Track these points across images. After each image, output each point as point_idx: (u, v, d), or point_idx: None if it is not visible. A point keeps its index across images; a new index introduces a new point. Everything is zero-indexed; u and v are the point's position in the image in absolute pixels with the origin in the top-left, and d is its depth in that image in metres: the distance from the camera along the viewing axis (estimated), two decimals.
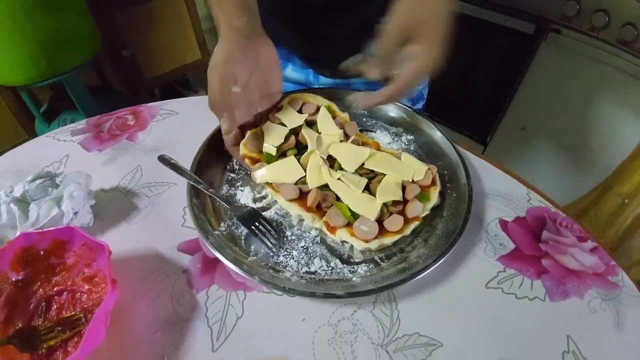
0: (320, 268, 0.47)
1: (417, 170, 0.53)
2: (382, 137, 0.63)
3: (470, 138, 1.48)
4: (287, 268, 0.47)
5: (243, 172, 0.58)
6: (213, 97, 0.52)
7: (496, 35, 1.20)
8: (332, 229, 0.48)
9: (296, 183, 0.51)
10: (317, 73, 0.74)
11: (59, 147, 0.65)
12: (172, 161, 0.56)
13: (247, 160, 0.54)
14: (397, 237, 0.48)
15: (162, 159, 0.57)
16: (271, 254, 0.48)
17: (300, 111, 0.59)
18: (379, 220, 0.48)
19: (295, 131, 0.57)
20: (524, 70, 1.20)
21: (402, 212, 0.50)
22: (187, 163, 0.56)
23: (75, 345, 0.42)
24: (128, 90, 1.81)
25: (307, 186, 0.51)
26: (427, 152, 0.60)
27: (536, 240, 0.52)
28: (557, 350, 0.43)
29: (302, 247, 0.49)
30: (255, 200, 0.54)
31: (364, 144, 0.57)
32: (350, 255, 0.49)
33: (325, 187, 0.51)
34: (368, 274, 0.46)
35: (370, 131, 0.64)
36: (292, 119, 0.57)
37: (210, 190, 0.52)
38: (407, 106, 0.64)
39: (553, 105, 1.20)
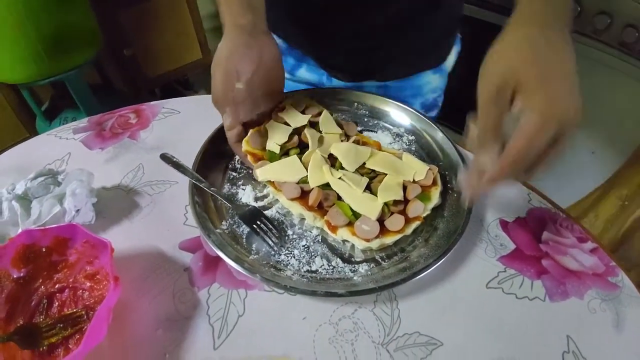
0: (321, 267, 0.47)
1: (418, 170, 0.53)
2: (383, 137, 0.63)
3: None
4: (289, 267, 0.47)
5: (245, 171, 0.58)
6: (216, 92, 0.52)
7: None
8: (334, 228, 0.48)
9: (298, 182, 0.51)
10: (330, 75, 0.74)
11: (61, 145, 0.65)
12: (174, 159, 0.56)
13: (249, 158, 0.55)
14: (398, 236, 0.48)
15: (164, 157, 0.57)
16: (272, 252, 0.48)
17: (303, 112, 0.60)
18: (380, 220, 0.48)
19: (298, 131, 0.57)
20: None
21: (403, 212, 0.50)
22: (189, 161, 0.56)
23: (76, 343, 0.42)
24: (129, 89, 1.81)
25: (308, 185, 0.51)
26: (428, 152, 0.60)
27: (536, 241, 0.53)
28: (557, 350, 0.43)
29: (303, 246, 0.49)
30: (256, 199, 0.54)
31: (364, 144, 0.57)
32: (351, 255, 0.49)
33: (326, 186, 0.51)
34: (369, 273, 0.47)
35: (372, 131, 0.64)
36: (296, 118, 0.57)
37: (212, 188, 0.53)
38: (412, 108, 0.64)
39: None
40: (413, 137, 0.63)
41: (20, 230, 0.48)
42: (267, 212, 0.53)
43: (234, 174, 0.58)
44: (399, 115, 0.65)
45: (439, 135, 0.60)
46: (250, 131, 0.56)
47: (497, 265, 0.50)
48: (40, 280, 0.46)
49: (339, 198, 0.50)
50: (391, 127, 0.64)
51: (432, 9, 0.65)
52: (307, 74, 0.75)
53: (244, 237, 0.50)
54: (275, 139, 0.55)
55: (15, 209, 0.50)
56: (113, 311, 0.41)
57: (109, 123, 0.69)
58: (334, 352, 0.42)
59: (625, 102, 1.04)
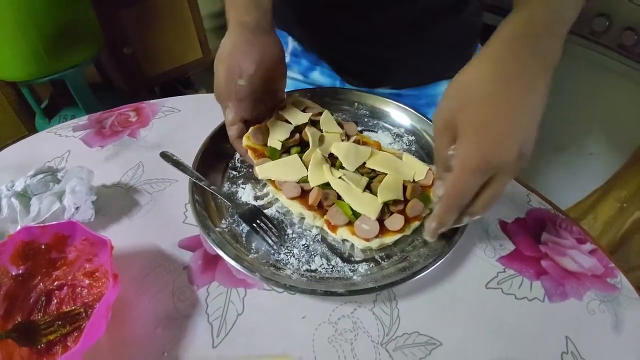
0: (320, 266, 0.47)
1: (418, 170, 0.53)
2: (383, 137, 0.63)
3: None
4: (288, 266, 0.47)
5: (245, 170, 0.58)
6: (219, 87, 0.52)
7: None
8: (333, 228, 0.48)
9: (298, 181, 0.51)
10: (343, 80, 0.73)
11: (60, 142, 0.65)
12: (174, 158, 0.56)
13: (250, 153, 0.55)
14: (397, 236, 0.48)
15: (164, 156, 0.57)
16: (272, 251, 0.48)
17: (304, 112, 0.60)
18: (380, 220, 0.48)
19: (299, 129, 0.57)
20: None
21: (403, 212, 0.50)
22: (188, 160, 0.56)
23: (75, 340, 0.42)
24: (129, 87, 1.81)
25: (308, 184, 0.51)
26: (428, 153, 0.60)
27: (536, 242, 0.53)
28: (556, 351, 0.43)
29: (303, 245, 0.49)
30: (256, 198, 0.54)
31: (364, 143, 0.57)
32: (351, 254, 0.49)
33: (326, 185, 0.51)
34: (368, 272, 0.47)
35: (372, 131, 0.64)
36: (297, 116, 0.57)
37: (211, 187, 0.53)
38: (412, 109, 0.64)
39: (553, 108, 1.21)
40: (413, 138, 0.63)
41: (19, 227, 0.48)
42: (267, 211, 0.53)
43: (233, 172, 0.58)
44: (399, 115, 0.65)
45: None
46: (252, 128, 0.56)
47: (496, 266, 0.50)
48: (39, 278, 0.46)
49: (339, 197, 0.50)
50: (391, 127, 0.64)
51: (450, 17, 0.64)
52: (321, 77, 0.75)
53: (244, 235, 0.50)
54: (277, 136, 0.55)
55: (14, 206, 0.49)
56: (112, 309, 0.41)
57: (109, 121, 0.69)
58: (333, 351, 0.42)
59: (623, 104, 1.04)
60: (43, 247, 0.46)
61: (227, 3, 0.52)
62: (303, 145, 0.56)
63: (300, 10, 0.68)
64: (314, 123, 0.58)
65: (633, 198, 1.06)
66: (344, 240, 0.49)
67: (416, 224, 0.49)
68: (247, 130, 0.56)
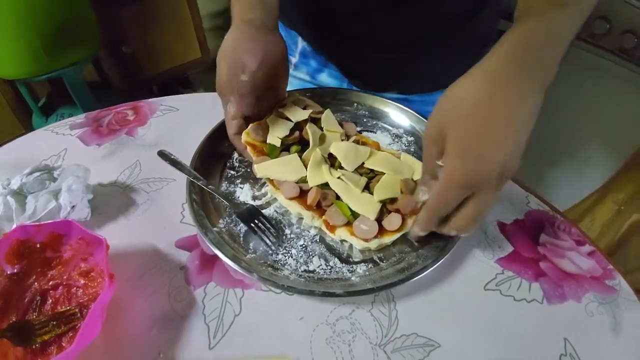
0: (319, 267, 0.47)
1: (416, 169, 0.53)
2: (382, 137, 0.63)
3: None
4: (286, 266, 0.47)
5: (243, 169, 0.58)
6: (221, 81, 0.52)
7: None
8: (332, 228, 0.48)
9: (297, 181, 0.51)
10: (350, 83, 0.73)
11: (57, 140, 0.64)
12: (172, 157, 0.56)
13: (249, 150, 0.54)
14: (396, 235, 0.47)
15: (162, 155, 0.56)
16: (270, 251, 0.48)
17: (304, 109, 0.59)
18: (378, 220, 0.48)
19: (299, 126, 0.57)
20: None
21: (400, 211, 0.49)
22: (186, 159, 0.55)
23: (69, 340, 0.41)
24: (127, 87, 1.80)
25: (307, 184, 0.50)
26: None
27: (534, 243, 0.52)
28: (554, 352, 0.43)
29: (301, 245, 0.49)
30: (254, 198, 0.54)
31: (364, 144, 0.57)
32: (349, 255, 0.48)
33: (325, 185, 0.50)
34: (367, 273, 0.46)
35: (371, 132, 0.64)
36: (297, 114, 0.57)
37: (209, 186, 0.52)
38: (411, 110, 0.64)
39: (552, 111, 1.21)
40: (412, 138, 0.63)
41: (15, 226, 0.47)
42: (265, 211, 0.52)
43: (232, 172, 0.58)
44: (398, 116, 0.65)
45: None
46: (252, 124, 0.56)
47: (495, 267, 0.49)
48: (34, 277, 0.45)
49: (338, 198, 0.50)
50: (390, 127, 0.64)
51: (463, 25, 0.64)
52: (328, 79, 0.75)
53: (242, 235, 0.50)
54: (276, 133, 0.54)
55: (10, 204, 0.49)
56: (107, 309, 0.41)
57: (106, 119, 0.68)
58: (331, 352, 0.42)
59: (622, 107, 1.04)
60: (38, 245, 0.45)
61: (232, 0, 0.53)
62: (303, 144, 0.56)
63: (311, 12, 0.67)
64: (315, 121, 0.58)
65: (631, 201, 1.06)
66: (342, 241, 0.49)
67: (413, 219, 0.49)
68: (247, 127, 0.56)
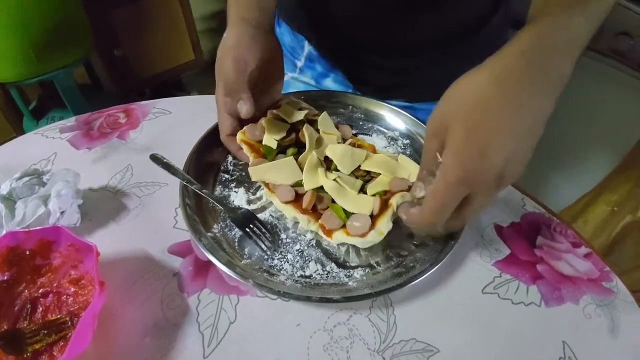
0: (315, 272, 0.46)
1: (412, 171, 0.52)
2: (378, 140, 0.62)
3: None
4: (282, 271, 0.46)
5: (237, 173, 0.57)
6: (229, 79, 0.50)
7: None
8: (329, 233, 0.47)
9: (292, 185, 0.50)
10: (355, 89, 0.73)
11: (47, 144, 0.63)
12: (165, 160, 0.55)
13: (245, 148, 0.53)
14: (387, 217, 0.46)
15: (154, 158, 0.55)
16: (265, 257, 0.47)
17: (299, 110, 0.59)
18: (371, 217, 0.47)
19: (295, 129, 0.56)
20: None
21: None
22: (179, 163, 0.54)
23: (61, 350, 0.40)
24: (119, 89, 1.79)
25: (303, 188, 0.50)
26: None
27: (531, 246, 0.52)
28: (553, 356, 0.42)
29: (297, 250, 0.48)
30: (249, 202, 0.53)
31: (359, 146, 0.56)
32: (346, 259, 0.48)
33: (321, 189, 0.50)
34: (364, 278, 0.46)
35: (367, 135, 0.63)
36: (293, 115, 0.56)
37: (203, 190, 0.51)
38: (407, 112, 0.63)
39: None
40: (408, 141, 0.62)
41: (4, 232, 0.46)
42: (260, 215, 0.51)
43: (226, 175, 0.57)
44: (394, 119, 0.64)
45: None
46: (248, 125, 0.55)
47: (492, 270, 0.49)
48: (24, 285, 0.44)
49: (334, 201, 0.49)
50: (386, 130, 0.64)
51: (473, 34, 0.63)
52: (333, 85, 0.74)
53: (236, 241, 0.49)
54: (273, 135, 0.54)
55: None
56: (98, 318, 0.40)
57: (97, 122, 0.67)
58: (328, 359, 0.41)
59: (616, 108, 1.05)
60: (28, 252, 0.44)
61: (230, 1, 0.53)
62: (299, 146, 0.55)
63: (318, 17, 0.67)
64: (311, 123, 0.57)
65: (625, 202, 1.07)
66: (339, 245, 0.48)
67: (400, 194, 0.48)
68: (240, 129, 0.55)
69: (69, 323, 0.42)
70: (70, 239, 0.43)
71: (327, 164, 0.53)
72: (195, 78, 2.06)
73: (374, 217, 0.47)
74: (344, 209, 0.48)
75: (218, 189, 0.55)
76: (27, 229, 0.43)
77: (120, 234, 0.51)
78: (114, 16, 1.59)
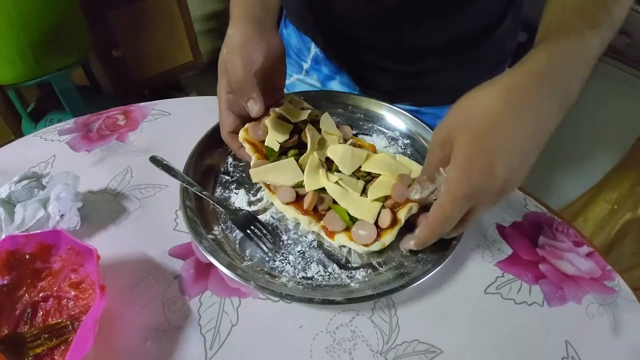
0: (317, 273, 0.46)
1: (413, 170, 0.52)
2: (378, 140, 0.62)
3: None
4: (284, 273, 0.46)
5: (238, 174, 0.57)
6: (237, 79, 0.49)
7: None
8: (331, 234, 0.47)
9: (293, 186, 0.50)
10: (361, 91, 0.72)
11: (46, 146, 0.62)
12: (164, 162, 0.55)
13: (247, 147, 0.53)
14: (394, 231, 0.46)
15: (154, 160, 0.55)
16: (267, 258, 0.47)
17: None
18: (375, 222, 0.47)
19: (297, 129, 0.55)
20: None
21: (395, 207, 0.48)
22: (179, 164, 0.54)
23: (62, 354, 0.40)
24: (117, 91, 1.78)
25: (304, 189, 0.50)
26: (423, 156, 0.60)
27: (533, 245, 0.52)
28: (556, 355, 0.42)
29: (298, 251, 0.48)
30: (250, 204, 0.53)
31: (360, 147, 0.56)
32: (348, 260, 0.48)
33: (322, 190, 0.50)
34: (366, 279, 0.45)
35: (367, 135, 0.63)
36: (296, 114, 0.56)
37: (203, 192, 0.51)
38: (407, 112, 0.63)
39: None
40: (408, 141, 0.62)
41: (3, 236, 0.46)
42: (261, 217, 0.51)
43: (226, 177, 0.57)
44: (394, 119, 0.64)
45: None
46: (251, 123, 0.54)
47: (495, 270, 0.49)
48: (24, 289, 0.44)
49: (335, 201, 0.49)
50: (386, 130, 0.64)
51: (482, 38, 0.62)
52: (339, 87, 0.74)
53: (237, 242, 0.49)
54: (276, 136, 0.53)
55: None
56: (99, 322, 0.40)
57: (96, 124, 0.67)
58: None
59: (615, 107, 1.05)
60: (27, 256, 0.44)
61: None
62: (301, 147, 0.55)
63: (325, 19, 0.67)
64: (313, 123, 0.57)
65: (624, 200, 1.07)
66: (340, 246, 0.48)
67: (408, 207, 0.47)
68: (241, 127, 0.55)
69: (70, 327, 0.42)
70: (70, 242, 0.43)
71: (328, 164, 0.53)
72: (193, 79, 2.06)
73: (381, 229, 0.47)
74: (347, 212, 0.48)
75: (218, 191, 0.55)
76: (26, 233, 0.43)
77: (120, 236, 0.51)
78: (112, 17, 1.59)
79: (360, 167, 0.52)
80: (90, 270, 0.43)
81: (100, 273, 0.40)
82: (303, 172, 0.50)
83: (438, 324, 0.44)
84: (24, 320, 0.43)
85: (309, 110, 0.57)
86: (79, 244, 0.42)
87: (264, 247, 0.47)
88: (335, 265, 0.47)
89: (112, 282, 0.45)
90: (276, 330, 0.43)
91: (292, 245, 0.49)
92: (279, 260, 0.47)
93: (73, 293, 0.44)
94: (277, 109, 0.55)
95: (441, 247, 0.47)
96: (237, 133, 0.55)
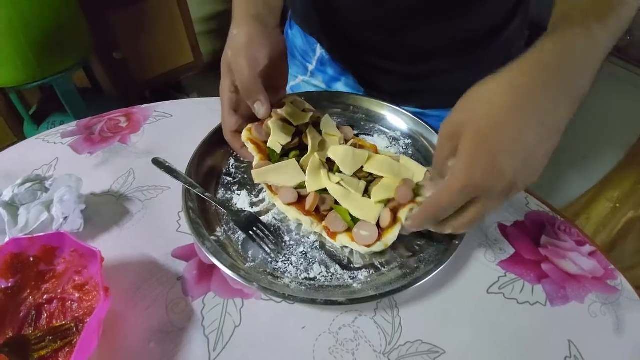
0: (319, 274, 0.46)
1: (416, 172, 0.52)
2: (379, 141, 0.62)
3: None
4: (286, 274, 0.46)
5: (240, 176, 0.57)
6: (244, 80, 0.49)
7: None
8: (333, 235, 0.47)
9: (295, 187, 0.50)
10: (367, 93, 0.72)
11: (48, 149, 0.63)
12: (167, 164, 0.55)
13: (251, 147, 0.53)
14: (395, 231, 0.46)
15: (157, 162, 0.55)
16: (269, 259, 0.47)
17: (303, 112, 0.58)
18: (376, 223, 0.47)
19: (299, 130, 0.56)
20: None
21: (396, 208, 0.48)
22: (181, 166, 0.54)
23: (66, 356, 0.40)
24: (119, 92, 1.79)
25: (305, 190, 0.50)
26: (425, 156, 0.60)
27: (535, 245, 0.52)
28: (559, 355, 0.42)
29: (301, 252, 0.48)
30: (252, 205, 0.53)
31: (361, 147, 0.56)
32: (350, 261, 0.48)
33: (324, 190, 0.50)
34: (369, 279, 0.46)
35: (368, 135, 0.63)
36: (298, 117, 0.56)
37: (206, 194, 0.51)
38: (408, 112, 0.63)
39: None
40: (410, 141, 0.62)
41: (7, 239, 0.46)
42: (263, 218, 0.51)
43: (228, 178, 0.57)
44: (395, 119, 0.64)
45: (436, 139, 0.59)
46: (255, 123, 0.55)
47: (497, 270, 0.49)
48: (28, 291, 0.44)
49: (337, 202, 0.49)
50: (387, 130, 0.64)
51: (489, 40, 0.62)
52: (343, 88, 0.74)
53: (240, 244, 0.49)
54: (278, 138, 0.53)
55: (2, 216, 0.48)
56: (103, 323, 0.40)
57: (98, 127, 0.67)
58: None
59: (616, 105, 1.05)
60: (31, 259, 0.44)
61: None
62: (302, 149, 0.55)
63: (330, 20, 0.66)
64: (314, 125, 0.57)
65: (627, 198, 1.07)
66: (342, 247, 0.48)
67: (409, 207, 0.47)
68: (244, 127, 0.55)
69: (74, 329, 0.42)
70: (73, 244, 0.43)
71: (330, 165, 0.53)
72: (194, 80, 2.06)
73: (382, 229, 0.47)
74: (348, 212, 0.48)
75: (220, 192, 0.55)
76: (30, 235, 0.43)
77: (123, 238, 0.51)
78: (113, 19, 1.59)
79: (362, 167, 0.52)
80: (94, 272, 0.44)
81: (104, 275, 0.40)
82: (305, 173, 0.50)
83: (441, 324, 0.44)
84: (28, 322, 0.43)
85: (311, 113, 0.57)
86: (82, 246, 0.42)
87: (267, 248, 0.47)
88: (337, 266, 0.47)
89: (116, 283, 0.45)
90: (279, 331, 0.43)
91: (294, 246, 0.49)
92: (282, 261, 0.47)
93: (77, 295, 0.44)
94: (279, 111, 0.55)
95: (443, 248, 0.47)
96: (240, 133, 0.55)
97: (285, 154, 0.54)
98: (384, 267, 0.47)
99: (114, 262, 0.47)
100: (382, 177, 0.51)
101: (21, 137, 1.57)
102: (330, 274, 0.46)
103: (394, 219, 0.47)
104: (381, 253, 0.48)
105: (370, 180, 0.52)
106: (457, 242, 0.47)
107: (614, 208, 1.13)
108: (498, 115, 0.35)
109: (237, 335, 0.43)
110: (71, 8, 1.33)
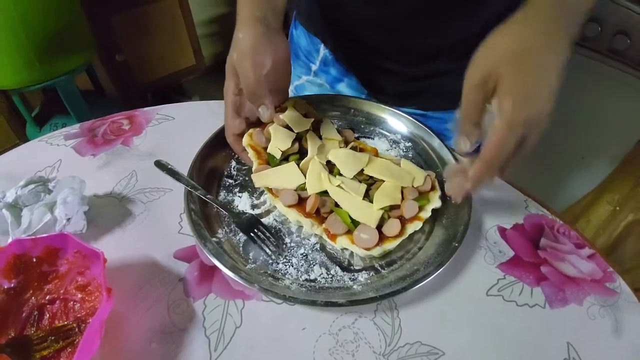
0: (320, 275, 0.46)
1: (416, 176, 0.53)
2: (380, 144, 0.63)
3: None
4: (287, 276, 0.46)
5: (241, 178, 0.57)
6: (249, 84, 0.49)
7: None
8: (333, 237, 0.47)
9: (295, 189, 0.50)
10: (369, 94, 0.73)
11: (52, 151, 0.63)
12: (169, 166, 0.55)
13: (251, 152, 0.53)
14: (397, 241, 0.47)
15: (159, 164, 0.56)
16: (270, 261, 0.47)
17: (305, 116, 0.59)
18: (378, 226, 0.48)
19: (299, 136, 0.56)
20: None
21: (401, 217, 0.49)
22: (183, 168, 0.55)
23: (68, 356, 0.40)
24: (121, 95, 1.79)
25: (306, 192, 0.50)
26: (425, 159, 0.60)
27: (535, 247, 0.52)
28: (558, 357, 0.43)
29: (301, 254, 0.48)
30: (253, 207, 0.54)
31: (362, 150, 0.57)
32: (350, 263, 0.48)
33: (324, 193, 0.50)
34: (369, 281, 0.46)
35: (369, 138, 0.64)
36: (298, 122, 0.56)
37: (207, 196, 0.52)
38: (409, 115, 0.64)
39: None
40: (410, 144, 0.62)
41: (10, 240, 0.47)
42: (264, 220, 0.52)
43: (230, 180, 0.57)
44: (396, 122, 0.65)
45: (436, 142, 0.60)
46: (256, 128, 0.55)
47: (496, 273, 0.49)
48: (31, 291, 0.44)
49: (337, 204, 0.50)
50: (388, 133, 0.64)
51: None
52: (346, 89, 0.74)
53: (241, 245, 0.49)
54: (278, 144, 0.53)
55: (5, 217, 0.48)
56: (105, 324, 0.40)
57: (101, 129, 0.67)
58: None
59: (616, 108, 1.05)
60: (34, 260, 0.44)
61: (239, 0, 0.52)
62: (302, 153, 0.55)
63: (334, 20, 0.67)
64: (315, 128, 0.57)
65: (626, 201, 1.07)
66: (343, 249, 0.49)
67: (415, 224, 0.49)
68: (247, 130, 0.55)
69: (77, 329, 0.42)
70: (76, 245, 0.43)
71: (330, 168, 0.53)
72: (196, 83, 2.07)
73: (384, 235, 0.47)
74: (348, 215, 0.48)
75: (222, 194, 0.55)
76: (33, 237, 0.44)
77: (126, 240, 0.51)
78: (115, 22, 1.60)
79: (362, 170, 0.53)
80: (96, 273, 0.44)
81: (107, 276, 0.40)
82: (304, 176, 0.51)
83: (440, 325, 0.44)
84: (30, 322, 0.43)
85: (312, 120, 0.57)
86: (85, 247, 0.43)
87: (267, 250, 0.48)
88: (337, 267, 0.47)
89: (118, 284, 0.45)
90: (279, 332, 0.43)
91: (295, 248, 0.49)
92: (282, 263, 0.47)
93: (79, 296, 0.45)
94: (281, 116, 0.56)
95: (443, 250, 0.48)
96: (242, 136, 0.55)
97: (285, 159, 0.54)
98: (384, 269, 0.47)
99: (117, 263, 0.48)
100: (382, 181, 0.52)
101: (23, 139, 1.58)
102: (330, 276, 0.46)
103: (401, 232, 0.48)
104: (381, 255, 0.48)
105: (371, 183, 0.53)
106: (456, 245, 0.47)
107: (614, 211, 1.13)
108: (529, 49, 0.39)
109: (238, 336, 0.43)
110: (74, 10, 1.34)
